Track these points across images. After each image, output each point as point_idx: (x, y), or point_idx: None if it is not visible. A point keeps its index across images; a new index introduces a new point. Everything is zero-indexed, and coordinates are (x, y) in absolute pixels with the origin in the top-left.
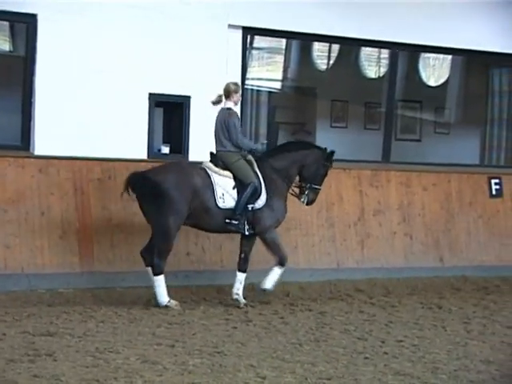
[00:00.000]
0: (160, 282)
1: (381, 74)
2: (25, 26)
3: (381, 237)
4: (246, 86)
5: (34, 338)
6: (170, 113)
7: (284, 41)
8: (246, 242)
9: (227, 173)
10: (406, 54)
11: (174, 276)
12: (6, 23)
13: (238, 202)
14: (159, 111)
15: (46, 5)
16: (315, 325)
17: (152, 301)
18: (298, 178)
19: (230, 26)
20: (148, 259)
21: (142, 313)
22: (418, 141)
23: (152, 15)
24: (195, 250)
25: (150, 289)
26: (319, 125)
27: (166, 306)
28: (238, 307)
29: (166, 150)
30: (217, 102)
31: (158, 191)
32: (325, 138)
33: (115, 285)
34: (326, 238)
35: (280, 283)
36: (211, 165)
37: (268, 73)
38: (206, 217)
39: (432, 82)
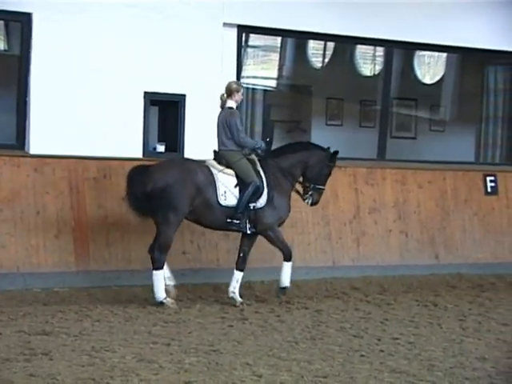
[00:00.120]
0: (158, 277)
1: (376, 72)
2: (20, 24)
3: (376, 235)
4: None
5: (29, 337)
6: (165, 111)
7: (279, 39)
8: (247, 241)
9: (230, 171)
10: (401, 52)
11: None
12: (1, 22)
13: (239, 201)
14: (154, 110)
15: (41, 4)
16: (311, 323)
17: (148, 299)
18: (301, 178)
19: (225, 24)
20: None
21: (137, 311)
22: (414, 138)
23: (147, 14)
24: (191, 248)
25: (146, 287)
26: (314, 123)
27: (162, 303)
28: (234, 306)
29: (161, 148)
30: (223, 104)
31: (160, 186)
32: (320, 135)
33: (111, 283)
34: (322, 236)
35: (275, 281)
36: (214, 162)
37: (263, 71)
38: (207, 213)
39: (427, 80)
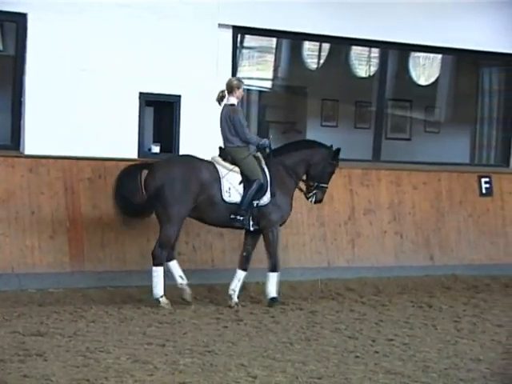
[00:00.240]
0: (158, 273)
1: (371, 73)
2: (15, 25)
3: (371, 236)
4: None
5: (24, 338)
6: (160, 112)
7: (274, 40)
8: (250, 240)
9: (235, 168)
10: (396, 53)
11: (164, 275)
12: None
13: (243, 198)
14: (149, 110)
15: (36, 4)
16: (306, 324)
17: (143, 300)
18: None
19: (220, 25)
20: (168, 254)
21: (132, 312)
22: (408, 140)
23: (142, 14)
24: (186, 249)
25: (141, 288)
26: (309, 124)
27: (158, 301)
28: (229, 306)
29: (156, 149)
30: (220, 99)
31: (164, 183)
32: (315, 137)
33: (106, 284)
34: (317, 237)
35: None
36: (219, 159)
37: (258, 72)
38: (211, 210)
39: (422, 81)
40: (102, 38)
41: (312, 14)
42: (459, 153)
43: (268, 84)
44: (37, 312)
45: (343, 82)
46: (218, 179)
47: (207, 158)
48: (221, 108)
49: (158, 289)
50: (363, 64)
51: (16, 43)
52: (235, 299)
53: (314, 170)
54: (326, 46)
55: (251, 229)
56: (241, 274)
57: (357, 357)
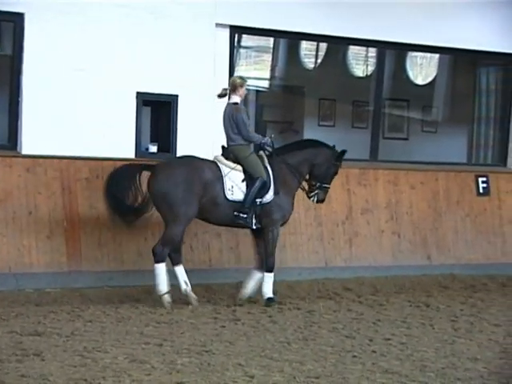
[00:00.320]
0: (160, 270)
1: (368, 73)
2: (12, 25)
3: (369, 235)
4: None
5: (21, 338)
6: (157, 112)
7: (272, 39)
8: (259, 241)
9: (237, 166)
10: (393, 53)
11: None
12: None
13: (246, 196)
14: (147, 110)
15: (33, 4)
16: (303, 323)
17: (140, 300)
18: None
19: (217, 24)
20: (175, 258)
21: (129, 312)
22: (406, 139)
23: (139, 14)
24: (183, 249)
25: (138, 288)
26: (307, 123)
27: (160, 297)
28: (239, 299)
29: (153, 148)
30: (222, 96)
31: (167, 185)
32: (312, 136)
33: (103, 284)
34: (314, 237)
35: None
36: (222, 158)
37: (256, 71)
38: (215, 209)
39: (419, 81)
40: (99, 38)
41: (309, 14)
42: (456, 152)
43: (265, 83)
44: (34, 312)
45: (340, 82)
46: (220, 178)
47: (205, 157)
48: (224, 106)
49: (162, 286)
50: (360, 64)
51: (13, 43)
52: (243, 296)
53: (318, 170)
54: (323, 46)
55: (253, 227)
56: (255, 275)
57: (354, 356)
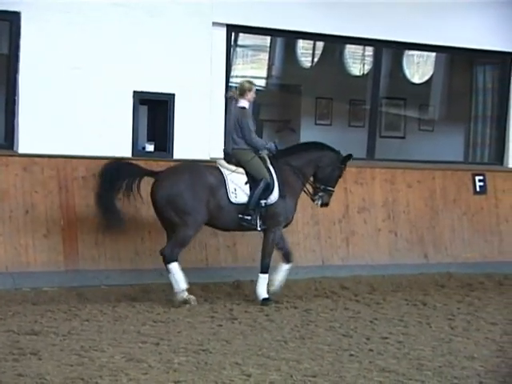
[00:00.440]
0: (175, 270)
1: (365, 72)
2: (8, 23)
3: (365, 234)
4: (230, 84)
5: (18, 337)
6: (154, 110)
7: (268, 38)
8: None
9: (240, 169)
10: (390, 52)
11: (159, 274)
12: None
13: (250, 197)
14: (143, 109)
15: (30, 3)
16: (300, 322)
17: (137, 298)
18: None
19: (214, 23)
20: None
21: (126, 311)
22: (403, 138)
23: (136, 13)
24: None
25: (135, 287)
26: (304, 122)
27: (178, 295)
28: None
29: (150, 147)
30: (229, 99)
31: (173, 192)
32: (309, 135)
33: (100, 283)
34: (311, 236)
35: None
36: (224, 162)
37: (252, 70)
38: (220, 214)
39: (416, 80)
40: (95, 37)
41: (306, 13)
42: (453, 151)
43: (262, 82)
44: (31, 311)
45: (337, 81)
46: (223, 182)
47: (202, 156)
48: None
49: (181, 283)
50: (357, 62)
51: (9, 42)
52: (275, 288)
53: (322, 173)
54: (320, 45)
55: (259, 228)
56: (285, 266)
57: (351, 355)
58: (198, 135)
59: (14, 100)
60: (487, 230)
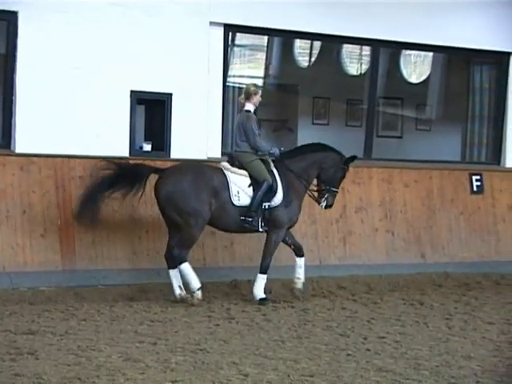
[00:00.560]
0: (186, 271)
1: (362, 71)
2: (5, 23)
3: (363, 234)
4: (227, 84)
5: (15, 337)
6: (151, 110)
7: (266, 38)
8: (286, 236)
9: (243, 171)
10: (387, 51)
11: (156, 273)
12: None
13: (253, 199)
14: (141, 108)
15: (28, 2)
16: (298, 322)
17: (134, 298)
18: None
19: (211, 23)
20: (171, 261)
21: (124, 311)
22: (400, 138)
23: (133, 13)
24: None
25: (132, 286)
26: (301, 122)
27: (192, 295)
28: (298, 292)
29: (147, 147)
30: (243, 106)
31: (176, 192)
32: (307, 135)
33: (97, 283)
34: (309, 235)
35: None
36: (227, 164)
37: (250, 70)
38: (223, 215)
39: (413, 79)
40: (93, 37)
41: (303, 12)
42: (450, 151)
43: (259, 82)
44: (28, 311)
45: (334, 80)
46: (226, 184)
47: (200, 155)
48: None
49: (194, 283)
50: (354, 62)
51: (7, 42)
52: (300, 286)
53: (326, 174)
54: (317, 44)
55: (261, 230)
56: (299, 261)
57: (348, 355)
58: (196, 135)
59: (12, 100)
60: (484, 230)
